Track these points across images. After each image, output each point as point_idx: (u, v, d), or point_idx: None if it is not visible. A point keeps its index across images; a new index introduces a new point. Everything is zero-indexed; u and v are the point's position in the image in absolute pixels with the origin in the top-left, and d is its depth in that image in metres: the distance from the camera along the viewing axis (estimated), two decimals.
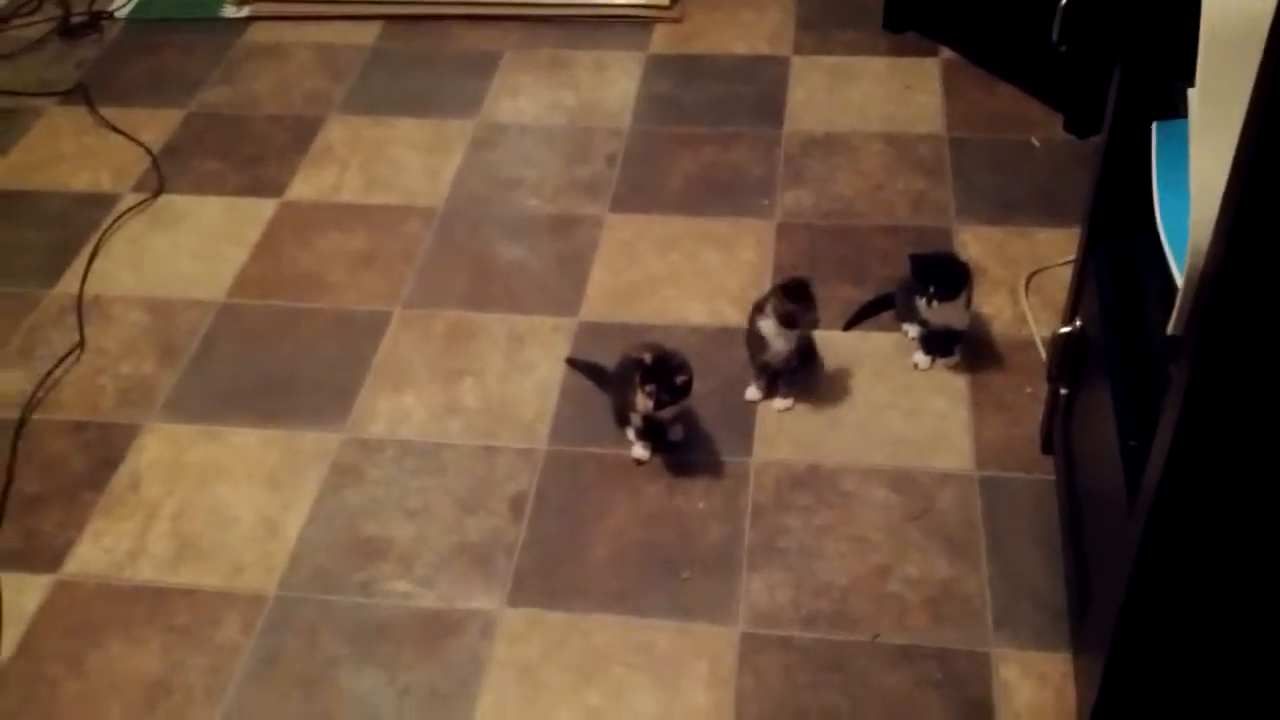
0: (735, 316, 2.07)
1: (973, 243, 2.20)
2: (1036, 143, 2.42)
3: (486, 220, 2.32)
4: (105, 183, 2.44)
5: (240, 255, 2.26)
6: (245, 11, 2.93)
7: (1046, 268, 2.13)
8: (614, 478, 1.84)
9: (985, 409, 1.90)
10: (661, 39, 2.80)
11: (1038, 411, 1.83)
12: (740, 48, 2.76)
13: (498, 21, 2.86)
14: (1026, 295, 2.09)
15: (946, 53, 2.68)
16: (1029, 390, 1.92)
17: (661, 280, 2.17)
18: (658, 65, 2.72)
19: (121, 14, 2.96)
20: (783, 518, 1.76)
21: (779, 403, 1.93)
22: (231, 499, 1.83)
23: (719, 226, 2.28)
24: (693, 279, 2.17)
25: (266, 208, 2.36)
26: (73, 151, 2.53)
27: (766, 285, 2.13)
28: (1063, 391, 1.65)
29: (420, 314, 2.13)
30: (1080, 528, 1.55)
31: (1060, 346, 1.62)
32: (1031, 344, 2.00)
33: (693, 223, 2.29)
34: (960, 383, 1.95)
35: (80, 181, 2.45)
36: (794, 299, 1.85)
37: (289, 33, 2.86)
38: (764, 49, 2.74)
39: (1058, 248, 2.14)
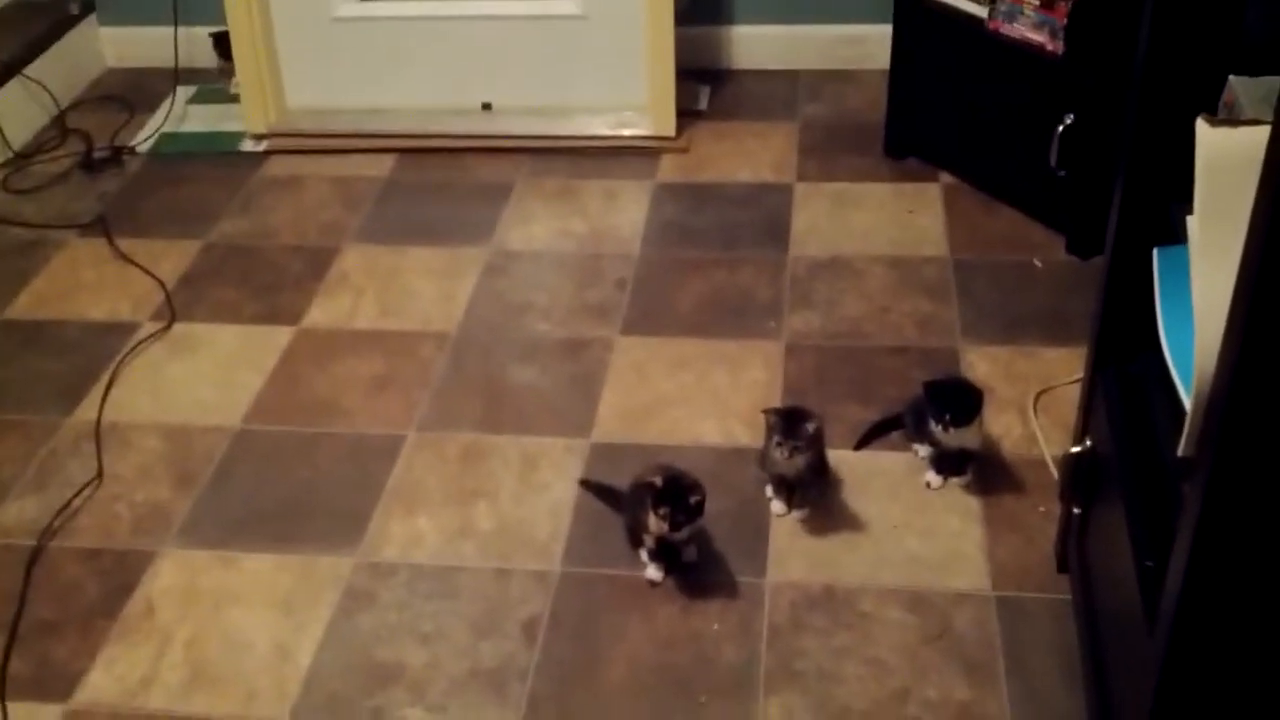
0: (746, 436, 2.09)
1: (980, 363, 2.23)
2: (1039, 264, 2.47)
3: (499, 344, 2.36)
4: (124, 312, 2.49)
5: (256, 382, 2.29)
6: (263, 146, 3.01)
7: (1054, 387, 2.15)
8: (628, 600, 1.83)
9: (999, 528, 1.91)
10: (669, 168, 2.87)
11: (1052, 530, 1.84)
12: (745, 175, 2.83)
13: (509, 154, 2.94)
14: (1035, 414, 2.11)
15: (947, 177, 2.75)
16: (1042, 509, 1.93)
17: (672, 401, 2.20)
18: (665, 193, 2.79)
19: (143, 149, 3.04)
20: (799, 640, 1.75)
21: (795, 513, 1.94)
22: (245, 625, 1.83)
23: (728, 348, 2.31)
24: (703, 399, 2.19)
25: (283, 335, 2.40)
26: (92, 282, 2.58)
27: (776, 405, 2.15)
28: (1076, 511, 1.66)
29: (434, 437, 2.15)
30: (1100, 648, 1.55)
31: (1071, 466, 1.63)
32: (1043, 463, 2.01)
33: (702, 344, 2.32)
34: (974, 502, 1.95)
35: (99, 311, 2.50)
36: (786, 434, 1.87)
37: (306, 166, 2.94)
38: (768, 176, 2.81)
39: (1065, 367, 2.17)
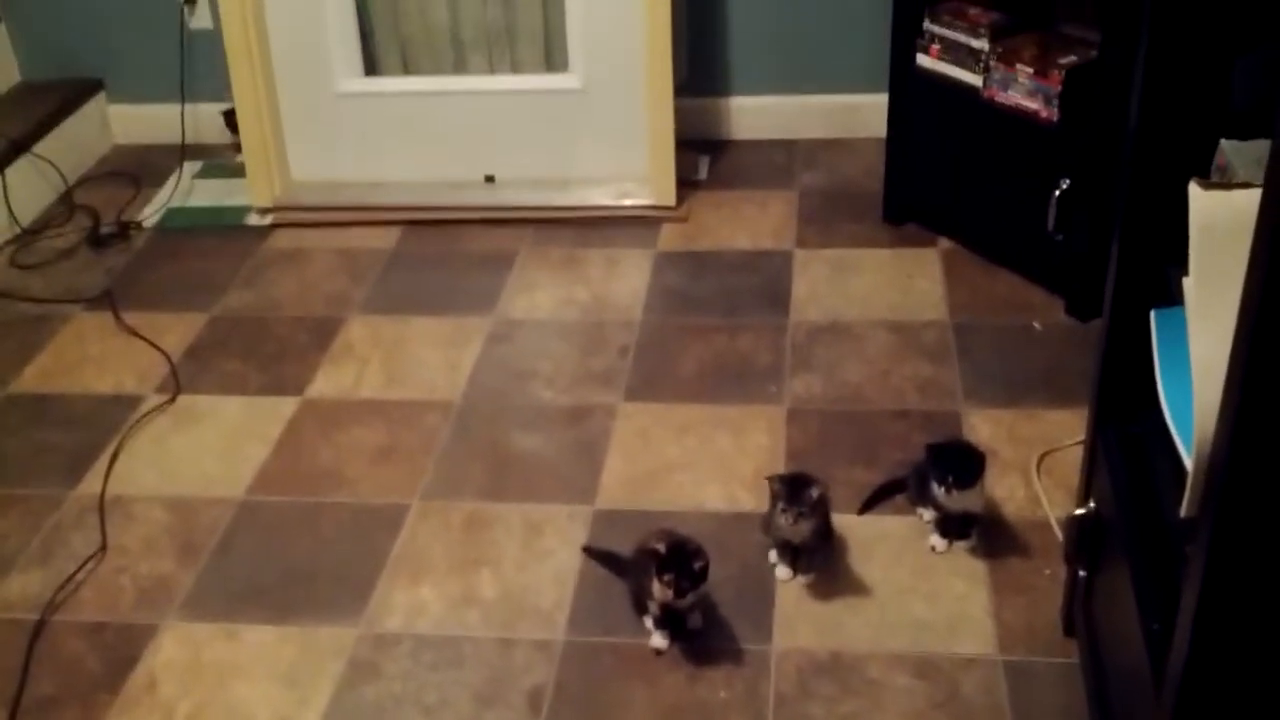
0: (750, 501, 2.09)
1: (982, 425, 2.23)
2: (1039, 326, 2.48)
3: (503, 412, 2.37)
4: (129, 385, 2.50)
5: (261, 453, 2.29)
6: (268, 219, 3.05)
7: (1057, 449, 2.15)
8: (633, 668, 1.82)
9: (1005, 592, 1.90)
10: (669, 237, 2.90)
11: (1058, 593, 1.83)
12: (745, 243, 2.85)
13: (512, 225, 2.97)
14: (1039, 476, 2.11)
15: (945, 242, 2.77)
16: (1048, 572, 1.92)
17: (676, 466, 2.20)
18: (666, 261, 2.81)
19: (149, 223, 3.08)
20: (806, 707, 1.74)
21: (800, 578, 1.93)
22: (248, 698, 1.81)
23: (730, 413, 2.32)
24: (707, 465, 2.20)
25: (288, 406, 2.41)
26: (98, 355, 2.59)
27: (779, 469, 2.16)
28: (1081, 574, 1.66)
29: (438, 506, 2.15)
30: (1108, 711, 1.53)
31: (1076, 529, 1.63)
32: (1047, 525, 2.01)
33: (705, 410, 2.33)
34: (979, 565, 1.95)
35: (104, 384, 2.51)
36: (790, 500, 1.88)
37: (310, 239, 2.97)
38: (768, 243, 2.84)
39: (1067, 428, 2.17)
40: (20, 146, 3.10)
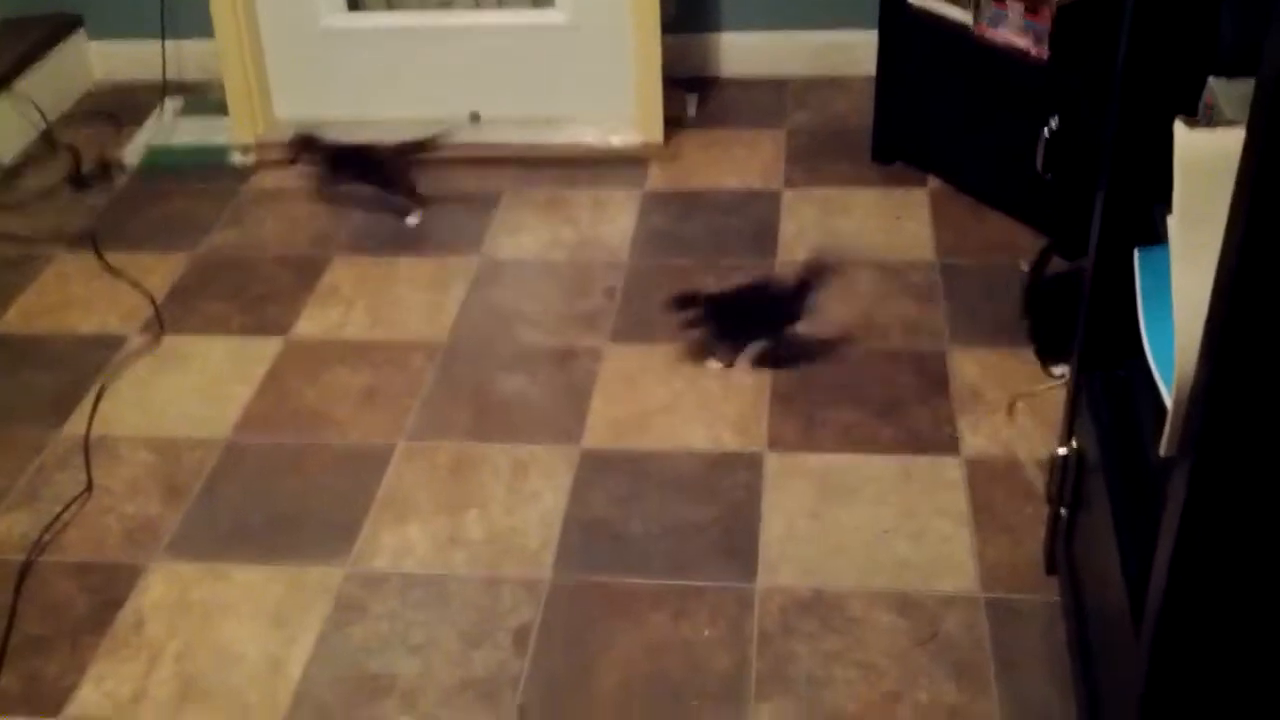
0: (734, 442, 2.10)
1: (967, 365, 2.23)
2: (1025, 267, 2.47)
3: (489, 354, 2.36)
4: (113, 326, 2.48)
5: (245, 393, 2.29)
6: (252, 158, 3.01)
7: (1040, 390, 2.16)
8: (619, 608, 1.83)
9: (988, 530, 1.91)
10: (657, 177, 2.88)
11: (1040, 532, 1.84)
12: (733, 183, 2.83)
13: (498, 164, 2.94)
14: (1017, 417, 2.11)
15: (934, 182, 2.75)
16: (1030, 511, 1.93)
17: (661, 409, 2.20)
18: (654, 202, 2.79)
19: (131, 162, 3.04)
20: (790, 645, 1.75)
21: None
22: (235, 637, 1.82)
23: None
24: (692, 407, 2.20)
25: (272, 346, 2.40)
26: (81, 296, 2.58)
27: (765, 410, 2.16)
28: (1063, 513, 1.67)
29: (423, 447, 2.15)
30: (1089, 649, 1.55)
31: (1058, 468, 1.64)
32: (1030, 464, 2.02)
33: (682, 350, 2.33)
34: (963, 505, 1.96)
35: (88, 325, 2.49)
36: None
37: (294, 179, 2.93)
38: (756, 184, 2.82)
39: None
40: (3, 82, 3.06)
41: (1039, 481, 1.95)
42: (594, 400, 2.23)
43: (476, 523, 1.99)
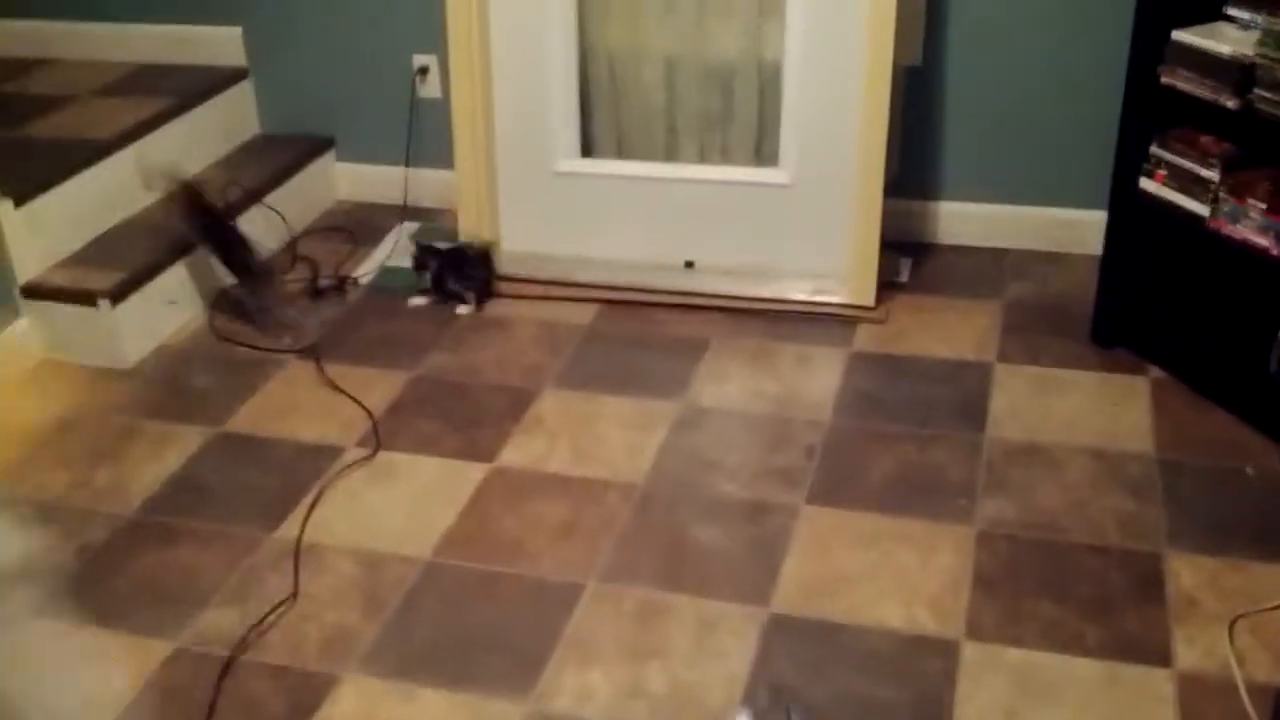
0: (931, 624, 2.04)
1: (1184, 571, 2.12)
2: (1252, 472, 2.36)
3: (684, 500, 2.37)
4: (331, 436, 2.60)
5: (449, 515, 2.36)
6: None
7: (1264, 610, 2.03)
8: None
9: None
10: (865, 338, 2.88)
11: None
12: (944, 351, 2.81)
13: (708, 311, 2.99)
14: (1234, 639, 1.99)
15: (1156, 371, 2.67)
16: None
17: (856, 578, 2.16)
18: (860, 363, 2.79)
19: (364, 280, 3.22)
20: None
21: None
22: None
23: (916, 528, 2.27)
24: (888, 580, 2.15)
25: (478, 471, 2.47)
26: (305, 404, 2.72)
27: (965, 595, 2.10)
28: None
29: (613, 589, 2.16)
30: None
31: (1276, 703, 1.53)
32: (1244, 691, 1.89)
33: (890, 521, 2.29)
34: None
35: (309, 433, 2.62)
36: None
37: (513, 309, 3.05)
38: (968, 354, 2.79)
39: (1277, 586, 2.05)
40: (254, 196, 3.30)
41: (1257, 714, 1.83)
42: (786, 561, 2.20)
43: (659, 674, 1.98)
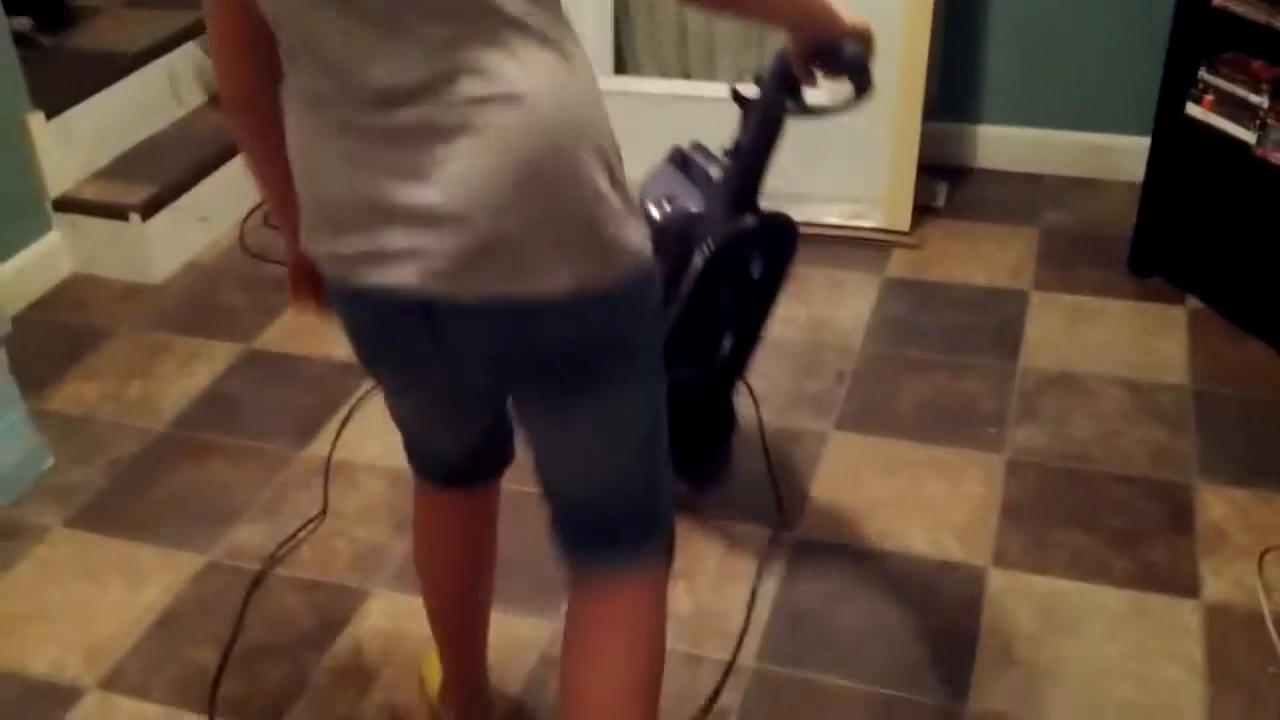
0: (957, 550, 2.04)
1: (1214, 503, 2.11)
2: None
3: None
4: None
5: None
6: None
7: None
8: (818, 709, 1.80)
9: (1222, 685, 1.79)
10: (899, 263, 2.84)
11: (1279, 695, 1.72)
12: (979, 278, 2.77)
13: None
14: (1262, 570, 1.98)
15: (1194, 301, 2.62)
16: (1272, 670, 1.80)
17: (882, 504, 2.16)
18: (894, 289, 2.76)
19: None
20: None
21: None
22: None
23: (945, 455, 2.26)
24: (915, 507, 2.15)
25: None
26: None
27: (993, 523, 2.09)
28: None
29: None
30: None
31: None
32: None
33: (919, 449, 2.28)
34: (1197, 652, 1.84)
35: (342, 351, 2.61)
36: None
37: None
38: (1003, 281, 2.75)
39: None
40: None
41: None
42: (813, 486, 2.20)
43: (684, 596, 1.99)
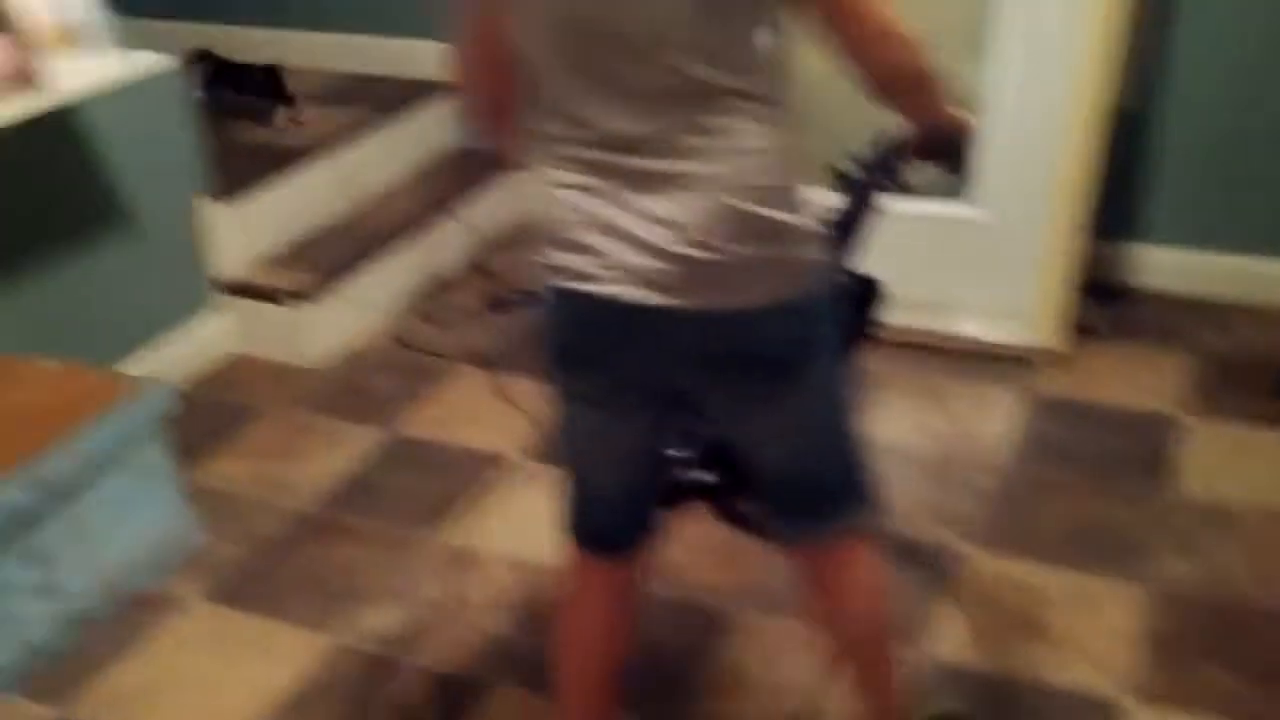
0: (1104, 685, 1.94)
1: None
2: None
3: None
4: (498, 445, 2.65)
5: None
6: None
7: None
8: None
9: None
10: (1049, 381, 2.77)
11: None
12: (1131, 401, 2.67)
13: (879, 344, 2.92)
14: None
15: None
16: None
17: (1019, 630, 2.07)
18: (1042, 407, 2.68)
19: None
20: None
21: None
22: None
23: (1089, 583, 2.17)
24: (1054, 635, 2.06)
25: None
26: (477, 413, 2.77)
27: (1136, 657, 1.99)
28: None
29: (766, 621, 2.12)
30: None
31: None
32: None
33: (1062, 575, 2.19)
34: None
35: (478, 441, 2.67)
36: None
37: None
38: (1157, 406, 2.65)
39: None
40: (446, 206, 3.39)
41: None
42: (947, 606, 2.13)
43: None
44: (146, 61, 2.43)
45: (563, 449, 1.62)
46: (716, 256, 1.35)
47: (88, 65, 2.36)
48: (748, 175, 1.34)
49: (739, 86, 1.32)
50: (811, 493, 1.57)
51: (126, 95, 2.49)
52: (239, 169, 3.10)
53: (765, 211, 1.35)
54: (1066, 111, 2.68)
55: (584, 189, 1.37)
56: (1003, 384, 2.76)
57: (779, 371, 1.44)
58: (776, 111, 1.36)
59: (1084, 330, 2.91)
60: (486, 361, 2.95)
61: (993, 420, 2.64)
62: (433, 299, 3.28)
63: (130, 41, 2.46)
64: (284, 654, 2.12)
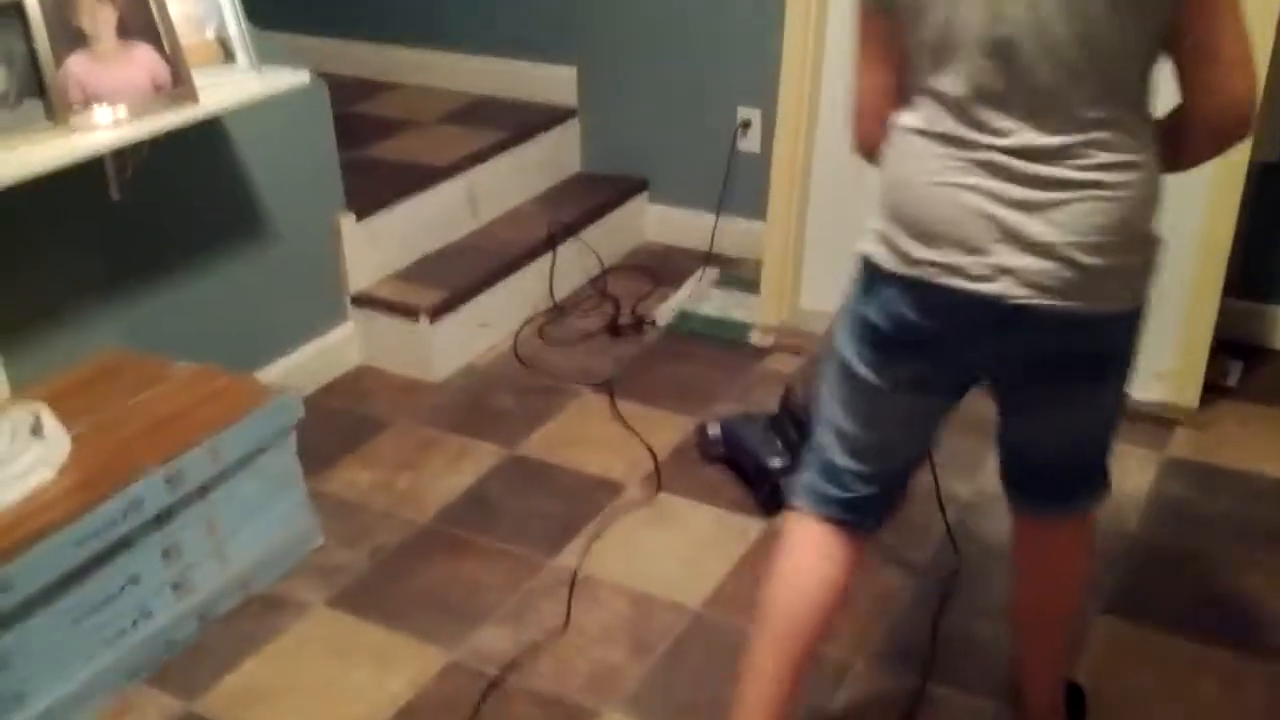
0: None
1: None
2: None
3: (961, 601, 2.27)
4: (616, 472, 2.65)
5: (722, 568, 2.34)
6: (770, 340, 3.14)
7: None
8: None
9: None
10: (1183, 443, 2.68)
11: None
12: (1271, 468, 2.58)
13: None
14: None
15: None
16: None
17: (1148, 701, 2.00)
18: (1175, 469, 2.60)
19: (661, 323, 3.27)
20: None
21: None
22: None
23: (1223, 657, 2.09)
24: (1184, 709, 1.98)
25: (754, 528, 2.45)
26: (595, 437, 2.77)
27: None
28: None
29: (879, 674, 2.08)
30: None
31: None
32: None
33: (1194, 649, 2.11)
34: None
35: (595, 466, 2.67)
36: None
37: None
38: None
39: None
40: (570, 230, 3.42)
41: None
42: (1079, 676, 2.07)
43: None
44: (289, 77, 2.49)
45: (841, 424, 1.64)
46: (1107, 262, 1.42)
47: (233, 79, 2.41)
48: (1138, 187, 1.43)
49: (1135, 105, 1.43)
50: (1074, 479, 1.71)
51: (269, 109, 2.55)
52: (376, 187, 3.16)
53: (1145, 222, 1.46)
54: (1208, 164, 2.59)
55: (968, 187, 1.43)
56: (1138, 443, 2.67)
57: (1111, 369, 1.56)
58: (1151, 128, 1.46)
59: (1221, 390, 2.82)
60: (606, 386, 2.96)
61: (1126, 480, 2.55)
62: (554, 321, 3.30)
63: (274, 57, 2.52)
64: (399, 665, 2.14)
